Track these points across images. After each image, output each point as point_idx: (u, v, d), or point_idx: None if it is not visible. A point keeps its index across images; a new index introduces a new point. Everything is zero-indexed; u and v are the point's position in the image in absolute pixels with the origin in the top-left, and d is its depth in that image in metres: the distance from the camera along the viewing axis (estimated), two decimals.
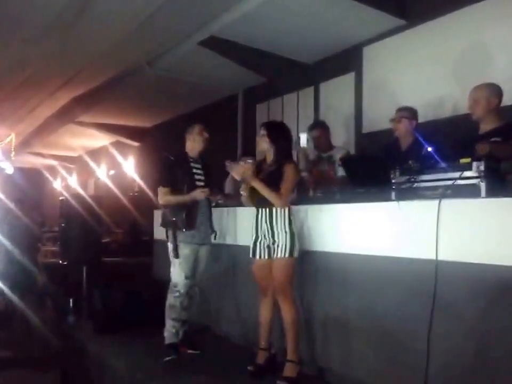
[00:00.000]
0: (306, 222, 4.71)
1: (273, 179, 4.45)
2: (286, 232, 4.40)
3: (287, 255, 4.38)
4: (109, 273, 7.92)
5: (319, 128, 6.32)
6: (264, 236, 4.50)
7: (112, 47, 8.41)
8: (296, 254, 4.42)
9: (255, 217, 4.58)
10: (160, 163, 5.65)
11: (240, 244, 5.63)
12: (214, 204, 5.64)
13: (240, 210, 5.69)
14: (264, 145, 4.62)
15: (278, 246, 4.41)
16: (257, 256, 4.56)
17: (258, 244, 4.55)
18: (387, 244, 3.96)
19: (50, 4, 7.03)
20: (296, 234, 4.44)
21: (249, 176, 4.48)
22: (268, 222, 4.47)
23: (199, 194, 5.25)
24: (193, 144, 5.48)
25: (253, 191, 4.53)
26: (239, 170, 4.52)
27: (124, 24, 7.64)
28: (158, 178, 5.55)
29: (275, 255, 4.43)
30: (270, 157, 4.62)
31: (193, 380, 4.79)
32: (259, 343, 4.73)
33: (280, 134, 4.65)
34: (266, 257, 4.53)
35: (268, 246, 4.51)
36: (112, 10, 7.17)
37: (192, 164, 5.44)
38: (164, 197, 5.35)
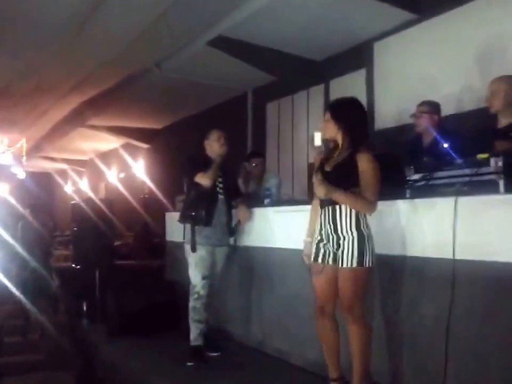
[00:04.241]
0: None
1: (342, 173, 3.74)
2: (352, 235, 3.70)
3: (354, 264, 3.67)
4: (122, 276, 7.90)
5: None
6: (328, 239, 3.80)
7: (121, 49, 8.42)
8: (368, 263, 3.69)
9: (319, 216, 3.89)
10: (183, 161, 5.68)
11: (258, 246, 5.60)
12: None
13: (258, 211, 5.64)
14: (330, 132, 3.86)
15: (343, 252, 3.71)
16: (319, 260, 3.84)
17: (322, 246, 3.84)
18: (402, 243, 3.90)
19: (60, 9, 7.06)
20: (367, 238, 3.71)
21: (326, 189, 3.68)
22: (331, 222, 3.76)
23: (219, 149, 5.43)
24: (211, 149, 5.50)
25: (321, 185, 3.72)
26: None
27: (132, 27, 7.64)
28: (186, 173, 5.54)
29: (341, 263, 3.72)
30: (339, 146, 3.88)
31: (211, 382, 4.77)
32: (329, 373, 4.02)
33: (349, 113, 3.84)
34: (330, 262, 3.81)
35: (333, 252, 3.80)
36: (121, 13, 7.18)
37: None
38: (204, 177, 5.28)
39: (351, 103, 3.93)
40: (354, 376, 3.73)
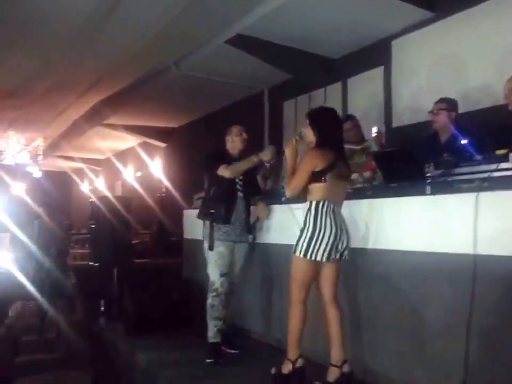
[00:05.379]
0: None
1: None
2: (302, 226, 4.08)
3: (292, 250, 4.10)
4: (139, 274, 7.91)
5: (350, 120, 6.21)
6: None
7: (139, 48, 8.47)
8: (300, 253, 4.05)
9: None
10: (204, 157, 5.66)
11: (276, 243, 5.59)
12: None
13: (276, 208, 5.62)
14: (309, 138, 4.25)
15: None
16: None
17: None
18: (423, 239, 3.89)
19: (78, 7, 7.11)
20: (307, 232, 4.04)
21: (289, 143, 4.29)
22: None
23: (266, 154, 5.34)
24: (233, 144, 5.54)
25: None
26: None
27: (151, 25, 7.69)
28: (207, 167, 5.55)
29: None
30: None
31: (227, 380, 4.77)
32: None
33: (324, 122, 4.27)
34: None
35: None
36: (139, 11, 7.22)
37: (232, 163, 5.44)
38: (227, 170, 5.30)
39: (327, 112, 4.41)
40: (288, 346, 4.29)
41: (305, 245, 4.01)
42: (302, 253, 4.02)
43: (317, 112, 4.46)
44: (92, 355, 7.10)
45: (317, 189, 4.05)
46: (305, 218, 4.07)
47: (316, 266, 4.12)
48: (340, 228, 4.09)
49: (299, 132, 4.38)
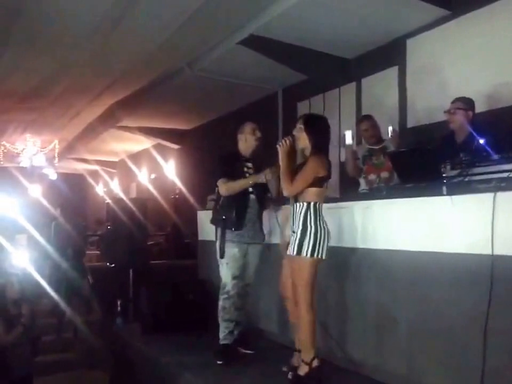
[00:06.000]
0: (353, 218, 4.63)
1: (297, 172, 4.30)
2: (298, 229, 4.19)
3: (295, 252, 4.17)
4: (155, 275, 7.95)
5: (367, 120, 6.21)
6: (292, 232, 4.32)
7: (152, 50, 8.52)
8: (307, 253, 4.14)
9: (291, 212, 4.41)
10: (214, 161, 5.61)
11: None
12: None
13: (289, 209, 5.61)
14: (302, 142, 4.38)
15: (293, 241, 4.22)
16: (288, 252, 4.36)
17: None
18: (440, 240, 3.86)
19: (92, 10, 7.14)
20: (310, 232, 4.15)
21: (281, 153, 4.37)
22: (292, 218, 4.33)
23: (262, 176, 5.16)
24: (246, 143, 5.41)
25: None
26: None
27: (164, 27, 7.72)
28: (214, 173, 5.42)
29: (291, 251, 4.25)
30: (307, 153, 4.40)
31: (243, 379, 4.78)
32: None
33: (318, 128, 4.42)
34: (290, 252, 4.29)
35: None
36: (153, 13, 7.24)
37: (244, 163, 5.37)
38: (224, 186, 5.23)
39: (322, 120, 4.56)
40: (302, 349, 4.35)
41: (311, 244, 4.13)
42: (309, 252, 4.13)
43: (314, 119, 4.61)
44: (109, 355, 7.15)
45: (313, 192, 4.23)
46: (305, 218, 4.20)
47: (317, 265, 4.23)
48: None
49: (292, 134, 4.46)
